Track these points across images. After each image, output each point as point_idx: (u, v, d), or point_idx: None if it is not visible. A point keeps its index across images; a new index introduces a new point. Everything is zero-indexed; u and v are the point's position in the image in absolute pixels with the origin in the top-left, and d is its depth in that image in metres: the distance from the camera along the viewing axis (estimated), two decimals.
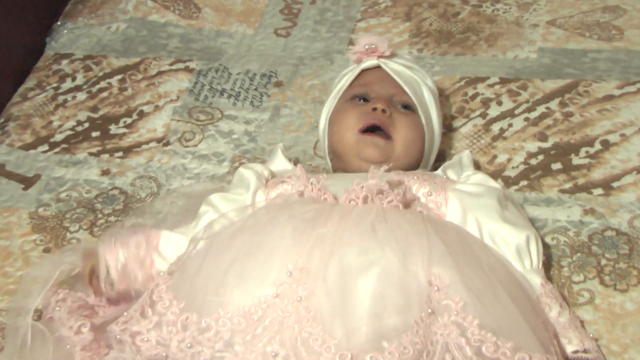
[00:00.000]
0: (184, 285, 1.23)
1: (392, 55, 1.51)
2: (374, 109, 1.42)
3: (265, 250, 1.22)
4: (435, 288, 1.19)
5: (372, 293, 1.16)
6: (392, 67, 1.49)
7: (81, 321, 1.31)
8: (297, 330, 1.16)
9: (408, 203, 1.31)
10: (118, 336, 1.22)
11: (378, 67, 1.49)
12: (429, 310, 1.17)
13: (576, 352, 1.27)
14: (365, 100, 1.45)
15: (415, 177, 1.35)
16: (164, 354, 1.19)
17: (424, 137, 1.46)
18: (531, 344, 1.18)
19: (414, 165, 1.45)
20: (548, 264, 1.42)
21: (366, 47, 1.50)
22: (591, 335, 1.31)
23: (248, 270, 1.20)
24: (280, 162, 1.47)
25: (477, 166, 1.55)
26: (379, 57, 1.49)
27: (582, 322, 1.32)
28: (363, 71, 1.50)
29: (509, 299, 1.21)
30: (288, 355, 1.15)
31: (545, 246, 1.44)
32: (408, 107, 1.46)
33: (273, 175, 1.43)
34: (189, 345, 1.18)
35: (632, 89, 1.67)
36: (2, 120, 1.82)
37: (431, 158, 1.51)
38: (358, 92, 1.47)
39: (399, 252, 1.19)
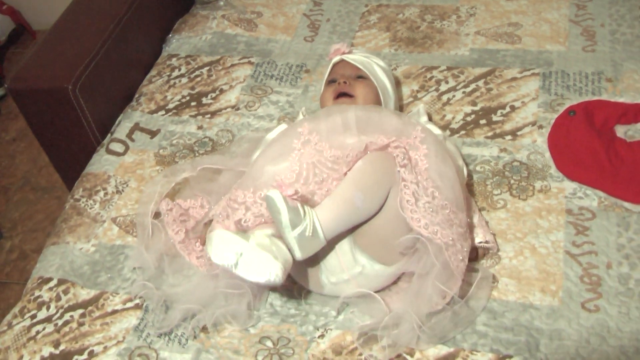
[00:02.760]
0: (247, 179, 1.18)
1: (350, 52, 1.47)
2: (339, 84, 1.38)
3: (282, 135, 1.20)
4: (414, 136, 1.14)
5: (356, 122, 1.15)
6: (350, 57, 1.44)
7: (179, 226, 1.28)
8: (323, 160, 1.12)
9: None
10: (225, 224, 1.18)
11: (342, 60, 1.45)
12: (404, 145, 1.13)
13: (480, 242, 1.22)
14: (335, 82, 1.41)
15: None
16: (263, 220, 1.13)
17: (377, 92, 1.39)
18: (457, 204, 1.13)
19: None
20: (477, 183, 1.37)
21: (333, 50, 1.46)
22: (491, 232, 1.26)
23: (280, 148, 1.16)
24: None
25: (430, 117, 1.50)
26: (342, 54, 1.45)
27: (487, 222, 1.29)
28: (334, 66, 1.46)
29: (456, 178, 1.16)
30: (328, 176, 1.11)
31: (476, 172, 1.39)
32: (362, 77, 1.41)
33: None
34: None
35: (528, 73, 1.60)
36: (137, 95, 1.77)
37: (390, 108, 1.43)
38: (330, 78, 1.43)
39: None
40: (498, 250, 1.24)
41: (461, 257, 1.11)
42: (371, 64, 1.42)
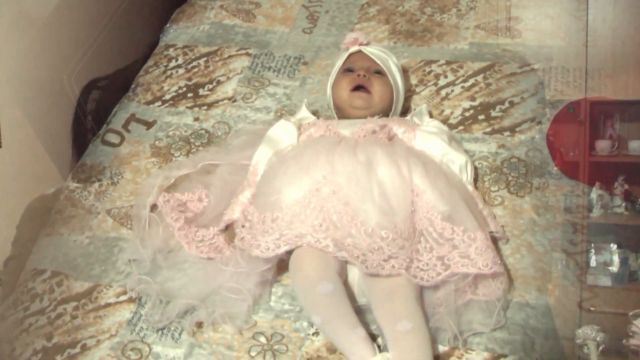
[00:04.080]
0: (258, 198, 1.18)
1: (368, 44, 1.45)
2: (358, 75, 1.36)
3: (305, 162, 1.17)
4: (415, 194, 1.12)
5: (379, 191, 1.12)
6: (369, 50, 1.42)
7: (177, 214, 1.26)
8: (332, 211, 1.11)
9: (391, 138, 1.28)
10: (236, 242, 1.17)
11: (360, 51, 1.42)
12: (412, 209, 1.11)
13: (491, 232, 1.21)
14: (352, 71, 1.39)
15: (395, 121, 1.30)
16: (257, 243, 1.13)
17: (392, 91, 1.38)
18: (475, 226, 1.13)
19: (387, 110, 1.38)
20: (476, 180, 1.35)
21: (351, 39, 1.43)
22: (500, 224, 1.24)
23: (297, 176, 1.16)
24: (304, 112, 1.42)
25: (431, 115, 1.48)
26: (360, 45, 1.42)
27: (494, 215, 1.26)
28: (350, 55, 1.43)
29: (460, 198, 1.16)
30: (328, 227, 1.10)
31: (475, 168, 1.37)
32: (380, 73, 1.38)
33: (300, 122, 1.38)
34: (266, 231, 1.12)
35: (527, 68, 1.57)
36: (134, 86, 1.74)
37: (399, 106, 1.42)
38: (347, 67, 1.41)
39: (394, 167, 1.15)
40: (507, 240, 1.23)
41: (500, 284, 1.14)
42: (387, 60, 1.41)
